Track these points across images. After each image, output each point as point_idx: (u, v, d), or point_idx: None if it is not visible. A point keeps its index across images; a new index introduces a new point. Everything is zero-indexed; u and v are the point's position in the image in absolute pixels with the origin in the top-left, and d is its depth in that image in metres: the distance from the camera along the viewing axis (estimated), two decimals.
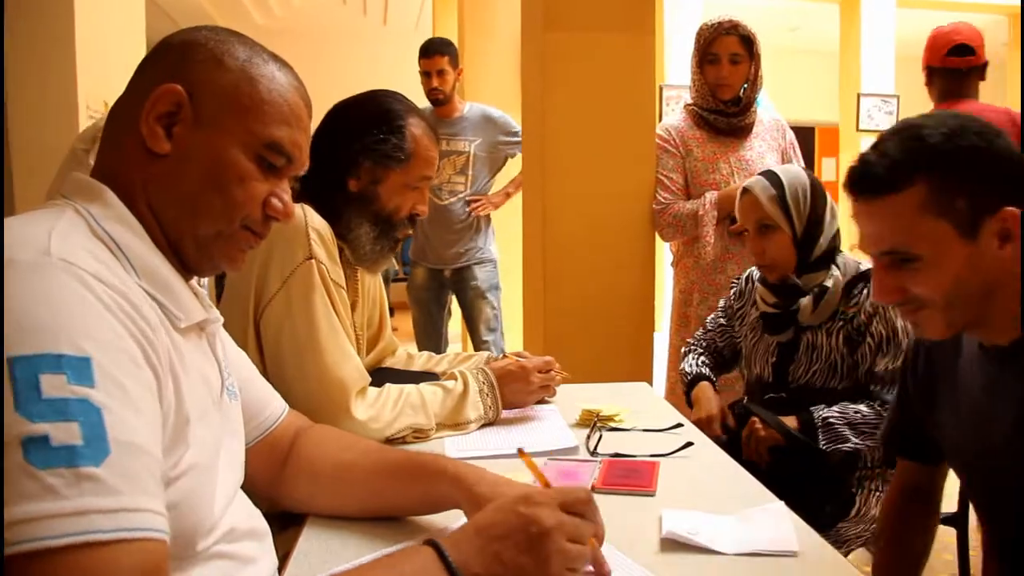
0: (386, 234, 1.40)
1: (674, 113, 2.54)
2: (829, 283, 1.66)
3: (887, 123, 6.60)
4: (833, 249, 1.71)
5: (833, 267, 1.69)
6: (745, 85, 2.43)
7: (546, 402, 1.55)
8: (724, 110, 2.44)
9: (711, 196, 2.38)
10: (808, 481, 1.55)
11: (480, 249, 3.50)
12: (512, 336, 4.03)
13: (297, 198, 1.03)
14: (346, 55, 8.53)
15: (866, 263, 1.67)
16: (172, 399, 0.70)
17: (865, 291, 1.66)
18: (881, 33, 7.49)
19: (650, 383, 2.33)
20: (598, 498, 1.08)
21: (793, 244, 1.68)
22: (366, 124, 1.37)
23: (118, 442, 0.58)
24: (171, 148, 0.76)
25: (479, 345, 3.54)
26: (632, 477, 1.13)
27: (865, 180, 0.98)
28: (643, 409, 1.53)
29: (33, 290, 0.60)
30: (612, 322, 2.44)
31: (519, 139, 3.07)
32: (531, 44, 2.59)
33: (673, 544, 0.93)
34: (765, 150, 2.49)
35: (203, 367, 0.80)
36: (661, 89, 6.46)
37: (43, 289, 0.60)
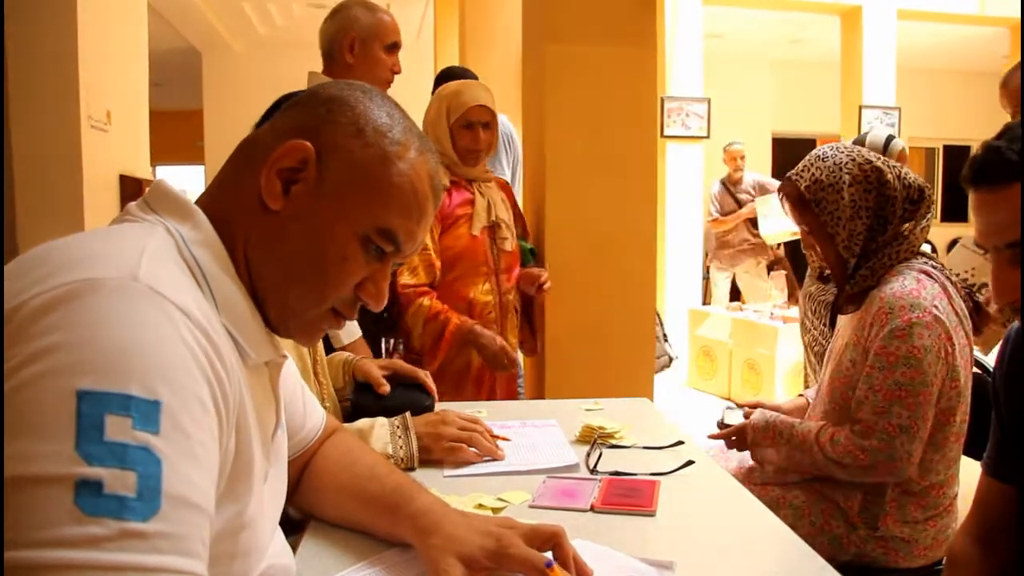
0: None
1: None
2: None
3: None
4: None
5: None
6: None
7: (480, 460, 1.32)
8: None
9: None
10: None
11: None
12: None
13: None
14: None
15: None
16: (233, 446, 0.67)
17: None
18: (882, 45, 7.51)
19: (651, 398, 2.31)
20: (597, 517, 1.08)
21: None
22: None
23: (170, 497, 0.55)
24: (283, 206, 0.73)
25: None
26: (632, 496, 1.12)
27: (992, 166, 0.91)
28: (644, 426, 1.52)
29: (115, 318, 0.57)
30: (613, 336, 2.43)
31: None
32: (532, 57, 2.59)
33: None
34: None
35: (263, 406, 0.78)
36: (662, 101, 6.47)
37: (125, 319, 0.57)
